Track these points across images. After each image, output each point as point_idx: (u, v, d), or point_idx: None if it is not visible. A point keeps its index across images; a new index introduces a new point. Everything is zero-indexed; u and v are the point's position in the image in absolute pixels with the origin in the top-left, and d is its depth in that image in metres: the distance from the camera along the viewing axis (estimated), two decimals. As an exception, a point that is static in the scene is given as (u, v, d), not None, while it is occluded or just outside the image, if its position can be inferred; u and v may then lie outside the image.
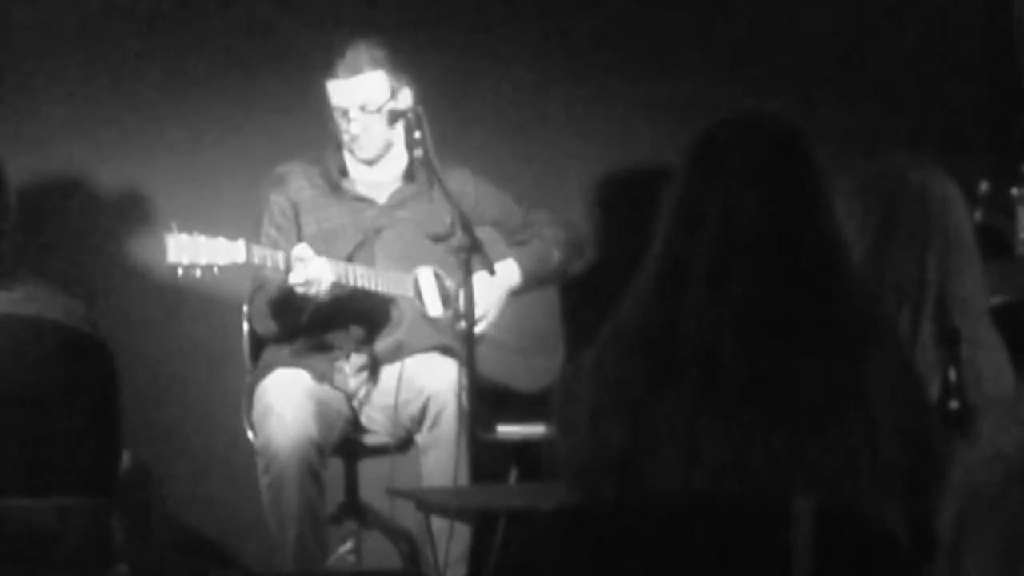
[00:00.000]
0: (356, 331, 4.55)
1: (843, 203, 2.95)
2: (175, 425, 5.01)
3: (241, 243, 4.29)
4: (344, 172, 4.66)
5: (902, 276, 2.98)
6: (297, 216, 4.59)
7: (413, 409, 4.44)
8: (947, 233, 3.01)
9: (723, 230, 2.42)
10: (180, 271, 4.25)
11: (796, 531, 2.17)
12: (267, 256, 4.32)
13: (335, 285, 4.36)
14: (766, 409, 2.34)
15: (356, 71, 4.53)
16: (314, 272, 4.31)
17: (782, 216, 2.43)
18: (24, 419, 3.36)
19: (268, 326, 4.54)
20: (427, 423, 4.39)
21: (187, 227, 4.25)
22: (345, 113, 4.55)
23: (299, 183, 4.62)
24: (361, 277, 4.43)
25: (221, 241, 4.27)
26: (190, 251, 4.24)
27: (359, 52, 4.55)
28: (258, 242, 4.52)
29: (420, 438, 4.42)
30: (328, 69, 4.56)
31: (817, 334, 2.38)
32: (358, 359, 4.54)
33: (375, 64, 4.55)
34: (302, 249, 4.32)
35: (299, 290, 4.31)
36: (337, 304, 4.45)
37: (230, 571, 4.99)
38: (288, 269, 4.30)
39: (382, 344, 4.54)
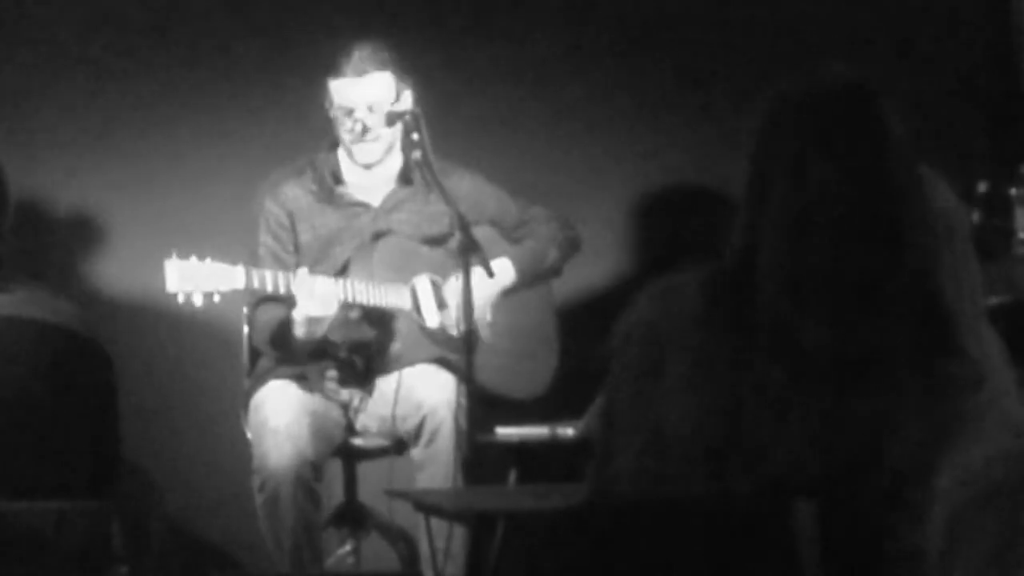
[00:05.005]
0: (352, 341, 4.54)
1: None
2: (174, 428, 5.01)
3: (240, 268, 4.28)
4: (338, 176, 4.63)
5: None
6: (293, 224, 4.58)
7: (410, 424, 4.43)
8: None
9: (792, 199, 2.37)
10: (181, 298, 4.23)
11: (799, 533, 2.15)
12: (267, 279, 4.30)
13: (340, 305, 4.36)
14: (851, 383, 2.30)
15: (363, 72, 4.52)
16: (320, 293, 4.29)
17: (854, 184, 2.37)
18: (22, 422, 3.35)
19: (273, 355, 4.54)
20: (423, 439, 4.39)
21: (185, 252, 4.23)
22: (350, 112, 4.53)
23: (294, 191, 4.60)
24: (359, 293, 4.42)
25: (220, 266, 4.25)
26: (190, 278, 4.21)
27: (366, 53, 4.53)
28: (255, 251, 4.53)
29: (416, 453, 4.42)
30: (331, 69, 4.54)
31: (893, 300, 2.34)
32: (345, 367, 4.53)
33: (382, 65, 4.54)
34: (303, 275, 4.31)
35: (312, 314, 4.30)
36: (336, 321, 4.44)
37: (229, 574, 4.99)
38: (290, 298, 4.30)
39: (379, 356, 4.53)
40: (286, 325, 4.40)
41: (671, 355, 2.39)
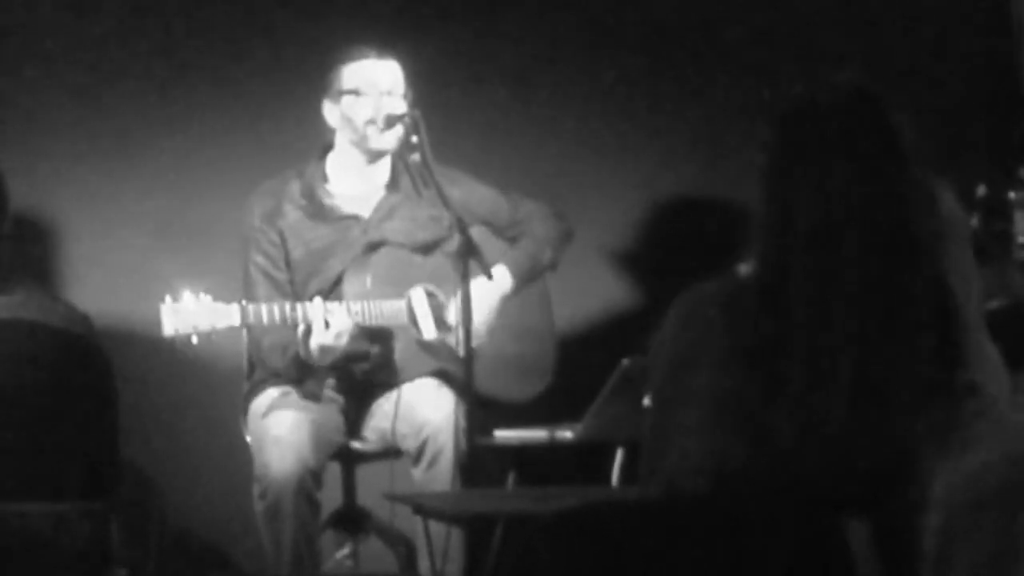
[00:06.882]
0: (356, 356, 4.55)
1: None
2: (173, 430, 5.01)
3: (235, 307, 4.26)
4: (326, 185, 4.60)
5: None
6: (284, 242, 4.56)
7: (410, 443, 4.42)
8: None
9: (818, 216, 2.34)
10: (177, 342, 4.22)
11: (857, 553, 2.13)
12: (263, 313, 4.29)
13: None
14: (878, 398, 2.29)
15: (386, 56, 4.53)
16: (334, 324, 4.29)
17: (875, 205, 2.36)
18: (22, 423, 3.36)
19: (290, 375, 4.54)
20: (424, 462, 4.37)
21: (178, 291, 4.20)
22: (376, 90, 4.51)
23: (283, 208, 4.58)
24: (356, 314, 4.39)
25: (215, 305, 4.23)
26: (186, 320, 4.19)
27: (382, 43, 4.55)
28: (246, 270, 4.53)
29: (417, 474, 4.40)
30: (341, 56, 4.54)
31: (914, 313, 2.33)
32: (344, 377, 4.54)
33: (396, 58, 4.56)
34: (317, 305, 4.31)
35: (325, 344, 4.31)
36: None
37: (228, 575, 4.99)
38: (297, 326, 4.31)
39: (380, 371, 4.53)
40: (298, 349, 4.40)
41: (693, 380, 2.40)
